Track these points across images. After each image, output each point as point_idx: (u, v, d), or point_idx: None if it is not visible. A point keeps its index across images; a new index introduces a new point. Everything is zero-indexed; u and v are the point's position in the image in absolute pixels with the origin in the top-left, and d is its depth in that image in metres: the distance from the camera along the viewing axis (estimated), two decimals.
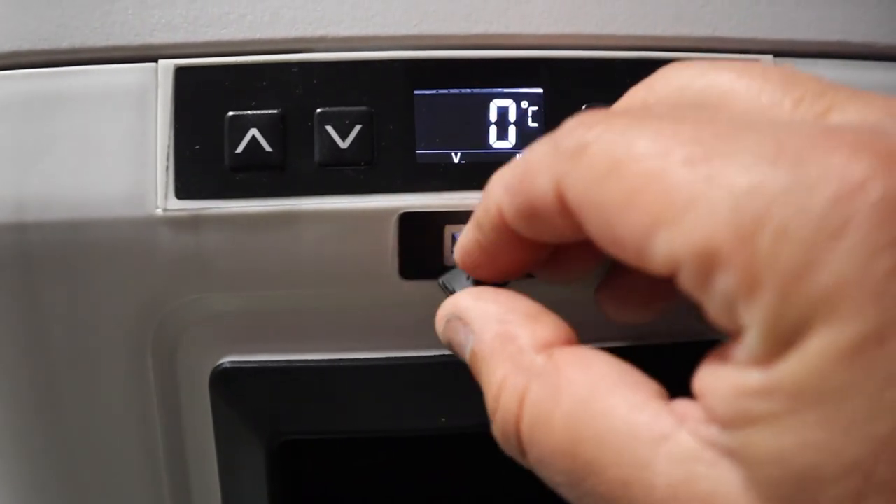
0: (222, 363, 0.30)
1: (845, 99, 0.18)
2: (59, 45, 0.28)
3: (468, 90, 0.29)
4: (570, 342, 0.21)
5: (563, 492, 0.19)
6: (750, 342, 0.16)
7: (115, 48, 0.28)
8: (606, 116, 0.19)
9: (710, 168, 0.16)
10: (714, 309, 0.16)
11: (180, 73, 0.28)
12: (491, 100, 0.29)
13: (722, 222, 0.15)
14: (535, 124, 0.29)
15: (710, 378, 0.17)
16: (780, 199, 0.15)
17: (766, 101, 0.19)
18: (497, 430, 0.20)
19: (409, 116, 0.28)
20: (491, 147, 0.29)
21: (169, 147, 0.28)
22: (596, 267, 0.25)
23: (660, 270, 0.17)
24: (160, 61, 0.28)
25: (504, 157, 0.28)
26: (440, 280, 0.26)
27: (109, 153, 0.28)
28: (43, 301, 0.29)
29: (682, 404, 0.18)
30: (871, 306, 0.14)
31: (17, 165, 0.28)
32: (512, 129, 0.29)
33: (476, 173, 0.28)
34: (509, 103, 0.29)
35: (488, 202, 0.22)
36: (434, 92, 0.28)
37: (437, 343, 0.30)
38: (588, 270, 0.25)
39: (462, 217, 0.28)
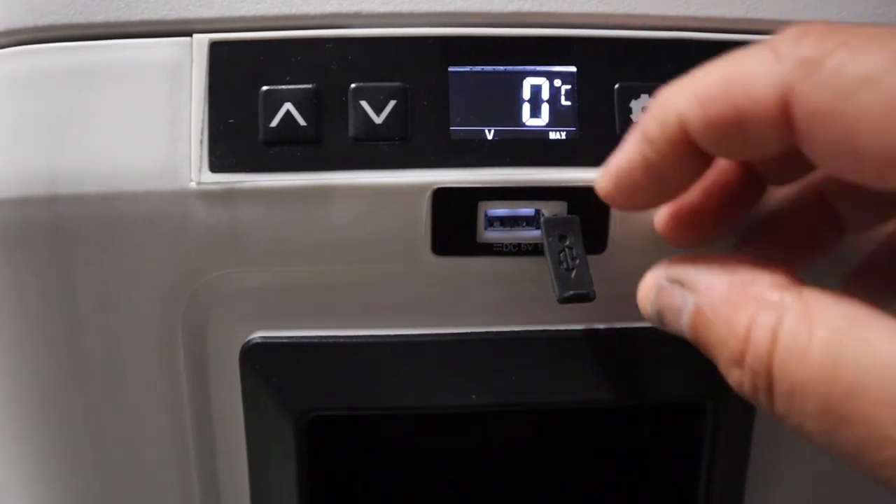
0: (253, 338, 0.30)
1: None
2: (94, 19, 0.28)
3: (502, 67, 0.29)
4: (802, 284, 0.21)
5: (810, 426, 0.19)
6: None
7: (149, 22, 0.28)
8: (838, 29, 0.19)
9: None
10: None
11: (215, 47, 0.28)
12: (524, 77, 0.29)
13: None
14: (568, 102, 0.29)
15: None
16: None
17: None
18: (743, 376, 0.21)
19: (444, 93, 0.28)
20: (524, 124, 0.29)
21: (203, 121, 0.28)
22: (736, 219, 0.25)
23: None
24: (195, 36, 0.28)
25: (536, 135, 0.29)
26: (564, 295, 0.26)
27: (143, 127, 0.28)
28: (75, 274, 0.29)
29: None
30: None
31: (51, 139, 0.28)
32: (545, 107, 0.29)
33: (509, 150, 0.28)
34: (542, 81, 0.29)
35: (665, 113, 0.22)
36: (468, 69, 0.28)
37: (468, 320, 0.31)
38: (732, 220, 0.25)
39: (495, 193, 0.28)
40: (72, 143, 0.28)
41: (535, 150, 0.28)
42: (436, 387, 0.30)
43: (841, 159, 0.19)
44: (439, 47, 0.28)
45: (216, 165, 0.28)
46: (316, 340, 0.30)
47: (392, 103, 0.28)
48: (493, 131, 0.29)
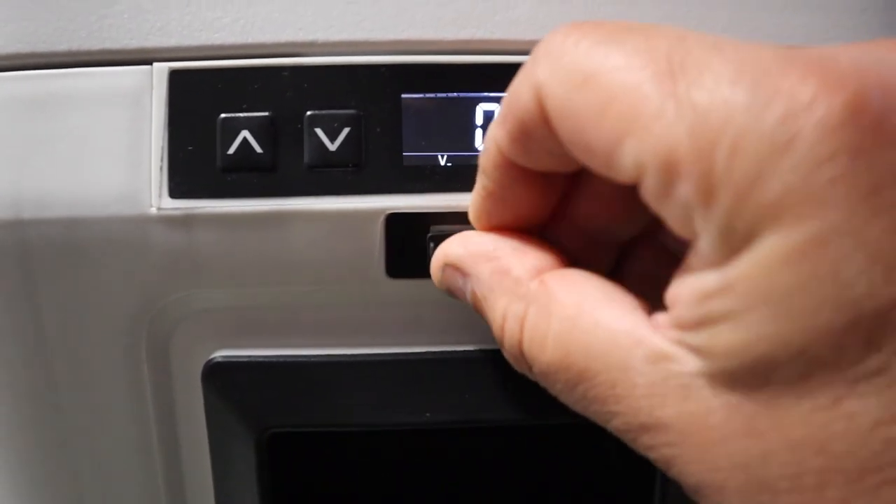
0: (214, 357, 0.31)
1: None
2: (56, 48, 0.29)
3: (455, 94, 0.29)
4: (559, 266, 0.23)
5: (563, 397, 0.21)
6: (705, 247, 0.17)
7: (110, 51, 0.29)
8: (584, 27, 0.20)
9: (676, 86, 0.17)
10: (673, 217, 0.18)
11: (174, 75, 0.29)
12: (477, 104, 0.29)
13: (684, 136, 0.17)
14: None
15: (676, 287, 0.19)
16: (736, 116, 0.16)
17: None
18: (506, 354, 0.23)
19: (397, 119, 0.29)
20: (476, 150, 0.29)
21: (163, 148, 0.28)
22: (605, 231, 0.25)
23: (626, 177, 0.19)
24: (155, 64, 0.29)
25: None
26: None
27: (105, 153, 0.28)
28: (39, 297, 0.29)
29: (657, 315, 0.20)
30: (813, 214, 0.16)
31: (14, 164, 0.28)
32: None
33: (462, 175, 0.29)
34: (495, 107, 0.29)
35: (487, 143, 0.23)
36: (421, 96, 0.29)
37: (422, 340, 0.31)
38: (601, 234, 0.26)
39: (448, 218, 0.29)
40: (35, 169, 0.28)
41: None
42: (392, 404, 0.31)
43: (578, 151, 0.20)
44: (393, 75, 0.29)
45: (175, 191, 0.28)
46: (275, 359, 0.31)
47: (346, 130, 0.29)
48: (445, 157, 0.29)
